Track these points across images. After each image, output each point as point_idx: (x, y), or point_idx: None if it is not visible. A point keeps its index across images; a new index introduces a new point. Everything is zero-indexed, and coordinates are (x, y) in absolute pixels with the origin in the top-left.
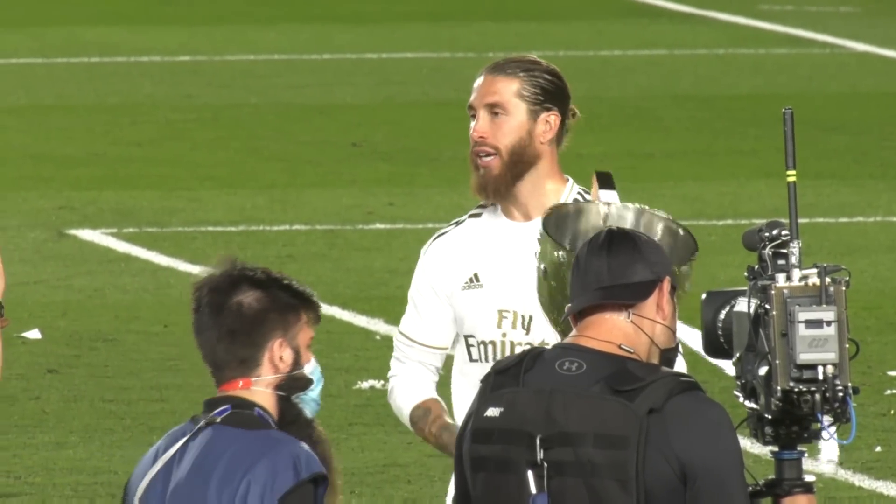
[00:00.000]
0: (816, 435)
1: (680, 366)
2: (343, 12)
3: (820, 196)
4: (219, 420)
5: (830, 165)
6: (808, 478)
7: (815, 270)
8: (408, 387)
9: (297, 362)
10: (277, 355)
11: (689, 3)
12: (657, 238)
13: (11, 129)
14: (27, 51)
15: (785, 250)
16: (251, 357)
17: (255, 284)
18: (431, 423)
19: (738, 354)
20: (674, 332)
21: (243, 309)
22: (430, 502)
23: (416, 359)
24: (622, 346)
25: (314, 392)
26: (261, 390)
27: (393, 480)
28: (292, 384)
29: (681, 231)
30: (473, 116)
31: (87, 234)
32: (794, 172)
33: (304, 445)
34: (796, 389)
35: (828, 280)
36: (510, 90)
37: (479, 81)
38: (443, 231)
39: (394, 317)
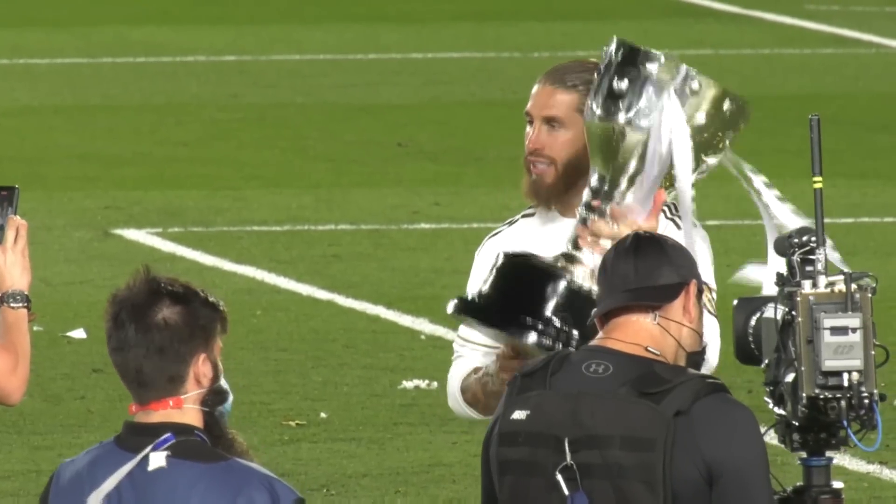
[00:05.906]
0: (844, 442)
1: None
2: (389, 12)
3: (865, 196)
4: (166, 451)
5: (876, 165)
6: (837, 484)
7: (841, 277)
8: (457, 375)
9: (217, 376)
10: (201, 371)
11: (735, 3)
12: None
13: (58, 129)
14: (73, 50)
15: (813, 257)
16: (178, 374)
17: (175, 299)
18: (479, 378)
19: (766, 361)
20: (700, 335)
21: (170, 325)
22: (474, 502)
23: (471, 357)
24: (649, 349)
25: (228, 403)
26: (191, 408)
27: (437, 480)
28: (215, 398)
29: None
30: (530, 122)
31: (132, 234)
32: (820, 179)
33: (265, 471)
34: (822, 396)
35: (854, 287)
36: (569, 104)
37: (537, 89)
38: (497, 231)
39: (439, 317)
